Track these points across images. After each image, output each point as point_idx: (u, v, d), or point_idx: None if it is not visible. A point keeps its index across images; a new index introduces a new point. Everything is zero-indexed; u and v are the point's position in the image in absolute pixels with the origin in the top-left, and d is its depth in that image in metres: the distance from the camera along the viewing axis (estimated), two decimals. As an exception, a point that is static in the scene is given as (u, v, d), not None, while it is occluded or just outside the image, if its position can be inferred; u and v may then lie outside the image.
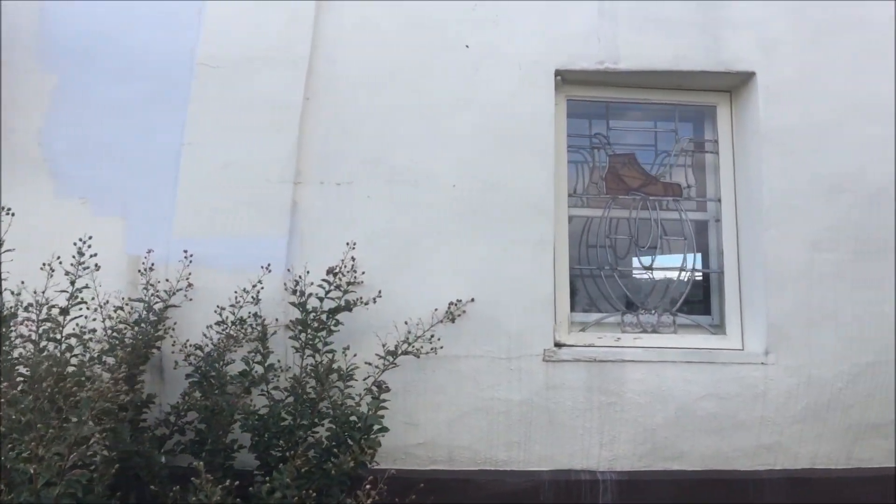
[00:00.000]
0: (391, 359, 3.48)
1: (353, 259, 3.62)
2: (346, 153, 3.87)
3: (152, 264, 3.66)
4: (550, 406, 3.77)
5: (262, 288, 3.56)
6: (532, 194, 3.85)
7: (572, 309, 4.08)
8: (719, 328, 4.10)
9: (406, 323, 3.67)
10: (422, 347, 3.57)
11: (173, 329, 3.56)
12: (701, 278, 4.19)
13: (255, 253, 3.72)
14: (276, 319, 3.62)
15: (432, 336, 3.59)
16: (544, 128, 3.92)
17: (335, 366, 3.38)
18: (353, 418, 3.19)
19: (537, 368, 3.76)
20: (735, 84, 4.17)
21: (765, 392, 3.87)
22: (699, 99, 4.24)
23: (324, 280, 3.50)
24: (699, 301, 4.21)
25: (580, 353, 3.79)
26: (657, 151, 4.23)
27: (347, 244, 3.62)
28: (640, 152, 4.23)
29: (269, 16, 3.99)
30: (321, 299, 3.49)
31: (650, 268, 4.11)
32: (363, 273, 3.65)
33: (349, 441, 3.14)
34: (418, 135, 3.89)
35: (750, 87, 4.09)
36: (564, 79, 4.09)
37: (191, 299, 3.63)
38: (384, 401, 3.32)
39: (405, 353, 3.50)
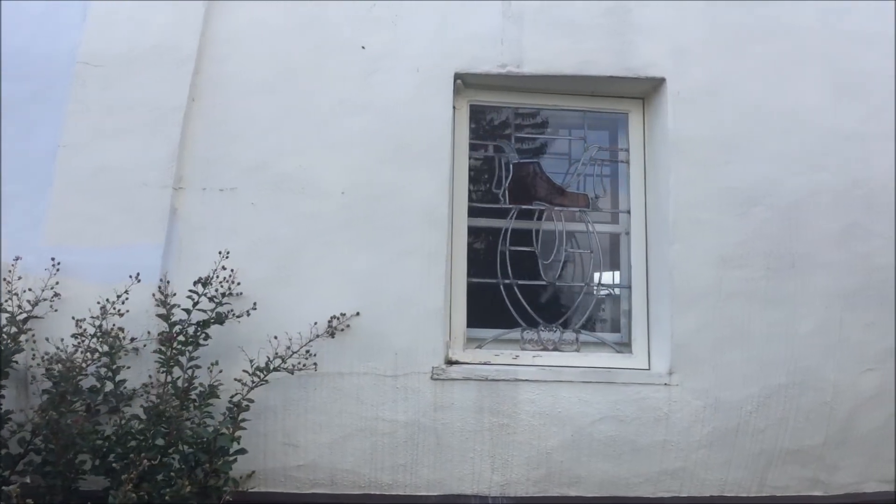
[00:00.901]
0: (262, 375, 3.25)
1: (228, 269, 3.43)
2: (232, 158, 3.67)
3: (19, 274, 3.43)
4: (438, 427, 3.55)
5: (128, 298, 3.34)
6: (425, 203, 3.66)
7: (470, 324, 3.86)
8: (626, 347, 3.88)
9: (280, 337, 3.41)
10: (298, 364, 3.33)
11: (33, 342, 3.33)
12: (609, 294, 3.96)
13: (130, 262, 3.52)
14: (149, 332, 3.40)
15: (308, 352, 3.35)
16: (440, 134, 3.73)
17: (197, 382, 3.15)
18: (205, 440, 2.96)
19: (425, 387, 3.56)
20: (647, 91, 3.97)
21: (668, 415, 3.66)
22: (611, 106, 4.05)
23: (191, 291, 3.28)
24: (607, 318, 3.99)
25: (471, 372, 3.58)
26: (566, 160, 4.01)
27: (220, 253, 3.40)
28: (548, 161, 4.02)
29: (156, 15, 3.81)
30: (188, 311, 3.27)
31: (554, 282, 3.88)
32: (238, 284, 3.45)
33: (201, 464, 2.92)
34: (308, 140, 3.70)
35: (661, 94, 3.90)
36: (466, 83, 3.89)
37: (56, 310, 3.41)
38: (243, 420, 3.09)
39: (276, 370, 3.27)
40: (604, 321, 4.00)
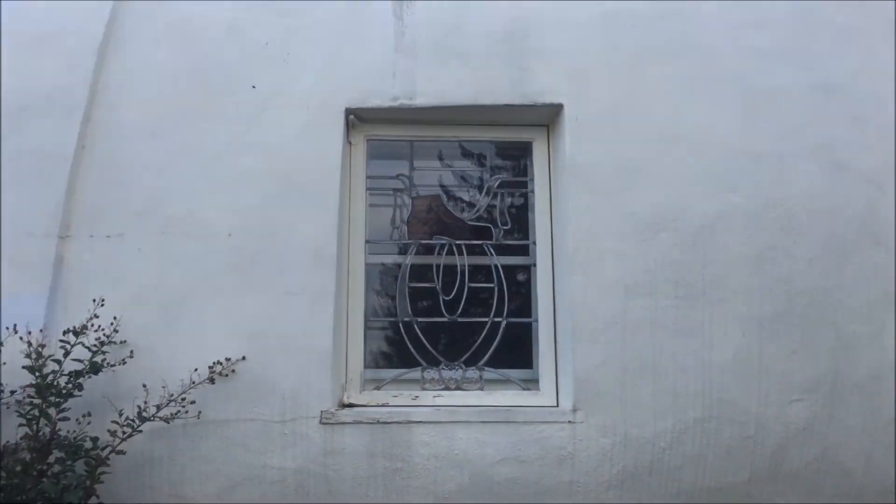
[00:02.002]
0: (135, 425, 3.15)
1: (111, 317, 3.32)
2: (120, 203, 3.62)
3: None
4: (329, 474, 3.40)
5: (1, 350, 3.25)
6: (312, 242, 3.56)
7: (369, 365, 3.72)
8: (533, 384, 3.70)
9: (162, 385, 3.30)
10: (176, 412, 3.22)
11: None
12: (516, 329, 3.80)
13: (13, 312, 3.44)
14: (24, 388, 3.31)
15: (184, 399, 3.24)
16: (329, 170, 3.66)
17: (61, 434, 3.05)
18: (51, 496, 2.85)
19: (314, 432, 3.42)
20: (550, 118, 3.87)
21: (573, 454, 3.47)
22: (514, 135, 3.95)
23: (62, 341, 3.20)
24: (515, 354, 3.82)
25: (362, 415, 3.44)
26: (470, 192, 3.89)
27: (94, 301, 3.31)
28: (451, 193, 3.90)
29: (47, 64, 3.80)
30: (59, 362, 3.18)
31: (456, 318, 3.74)
32: (116, 332, 3.34)
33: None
34: (196, 182, 3.64)
35: (561, 121, 3.77)
36: (360, 118, 3.82)
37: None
38: (103, 474, 2.97)
39: (149, 419, 3.15)
40: (512, 358, 3.82)
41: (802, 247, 3.77)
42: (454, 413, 3.48)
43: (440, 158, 4.03)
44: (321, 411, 3.44)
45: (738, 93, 3.88)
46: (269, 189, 3.64)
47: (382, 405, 3.58)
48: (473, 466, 3.45)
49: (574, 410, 3.51)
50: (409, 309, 3.80)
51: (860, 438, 3.85)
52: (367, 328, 3.79)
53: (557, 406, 3.64)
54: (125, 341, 3.44)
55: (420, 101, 3.79)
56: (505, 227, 3.90)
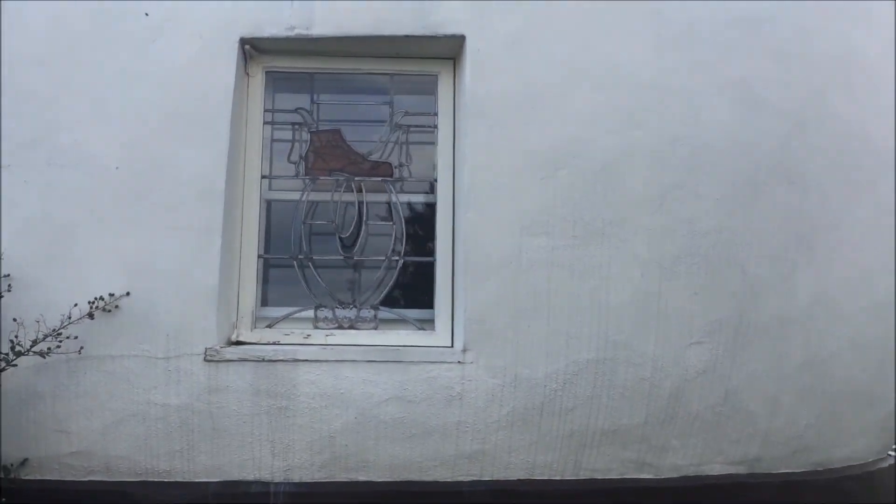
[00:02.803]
0: (10, 359, 3.10)
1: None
2: (6, 135, 3.54)
3: None
4: (214, 411, 3.37)
5: None
6: (200, 176, 3.47)
7: (266, 303, 3.65)
8: (430, 324, 3.64)
9: (42, 320, 3.25)
10: (56, 347, 3.17)
11: None
12: (418, 268, 3.72)
13: None
14: None
15: (59, 334, 3.19)
16: (220, 103, 3.54)
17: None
18: None
19: (198, 370, 3.37)
20: (454, 51, 3.72)
21: (461, 394, 3.42)
22: (418, 67, 3.82)
23: (-68, 274, 3.13)
24: (415, 294, 3.75)
25: (248, 353, 3.39)
26: (374, 127, 3.77)
27: (-31, 234, 3.23)
28: (355, 128, 3.79)
29: (-69, -11, 3.63)
30: (-70, 296, 3.12)
31: (352, 256, 3.66)
32: (-6, 265, 3.26)
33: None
34: (84, 114, 3.53)
35: (465, 54, 3.62)
36: (258, 48, 3.69)
37: None
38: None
39: (23, 353, 3.11)
40: (413, 297, 3.75)
41: (709, 186, 3.65)
42: (341, 352, 3.43)
43: (343, 92, 3.88)
44: (206, 348, 3.39)
45: (651, 26, 3.73)
46: (158, 121, 3.53)
47: (273, 343, 3.53)
48: (359, 405, 3.41)
49: (464, 350, 3.45)
50: (306, 246, 3.71)
51: (765, 383, 3.80)
52: (263, 266, 3.69)
53: (452, 346, 3.57)
54: (9, 275, 3.35)
55: (317, 30, 3.64)
56: (407, 164, 3.77)
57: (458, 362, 3.44)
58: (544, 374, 3.49)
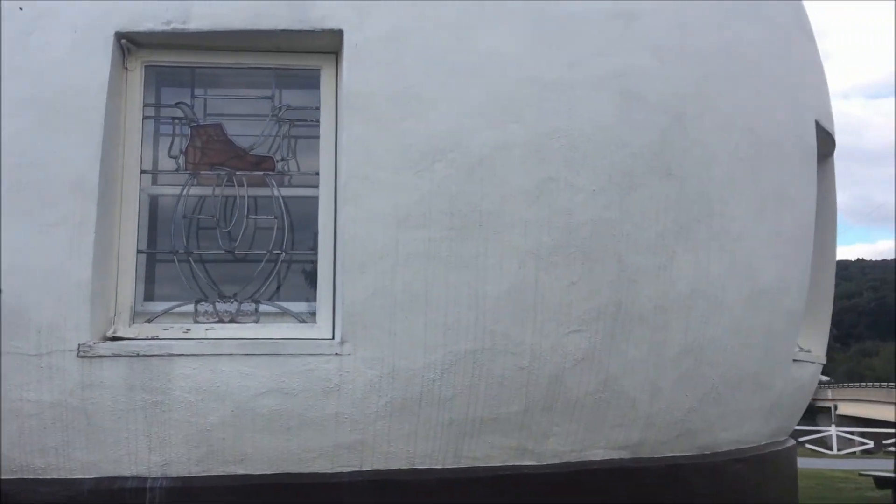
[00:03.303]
0: None
1: None
2: None
3: None
4: (88, 407, 3.36)
5: None
6: (75, 172, 3.44)
7: (149, 298, 3.65)
8: (312, 316, 3.66)
9: None
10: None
11: None
12: (303, 262, 3.74)
13: None
14: None
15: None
16: (95, 97, 3.52)
17: None
18: None
19: (71, 366, 3.36)
20: (335, 45, 3.74)
21: (339, 386, 3.46)
22: (300, 62, 3.83)
23: None
24: (301, 287, 3.77)
25: (122, 348, 3.39)
26: (257, 122, 3.78)
27: None
28: (238, 123, 3.79)
29: None
30: None
31: (233, 251, 3.66)
32: None
33: None
34: (-44, 108, 3.45)
35: (344, 49, 3.64)
36: (135, 42, 3.67)
37: None
38: None
39: None
40: (298, 291, 3.78)
41: (586, 178, 3.72)
42: (217, 346, 3.45)
43: (228, 87, 3.88)
44: (79, 344, 3.38)
45: (530, 19, 3.79)
46: (33, 116, 3.51)
47: (151, 338, 3.54)
48: (236, 399, 3.43)
49: (342, 343, 3.49)
50: (186, 241, 3.72)
51: (645, 369, 3.90)
52: (147, 261, 3.69)
53: (333, 339, 3.60)
54: None
55: (194, 25, 3.64)
56: (290, 159, 3.79)
57: (336, 354, 3.48)
58: (422, 364, 3.54)
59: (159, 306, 3.70)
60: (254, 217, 3.77)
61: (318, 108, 3.83)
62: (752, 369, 4.42)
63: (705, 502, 4.21)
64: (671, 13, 4.06)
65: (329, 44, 3.76)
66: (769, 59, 4.54)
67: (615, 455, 4.02)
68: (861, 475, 9.31)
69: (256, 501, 3.49)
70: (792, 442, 5.69)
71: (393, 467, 3.62)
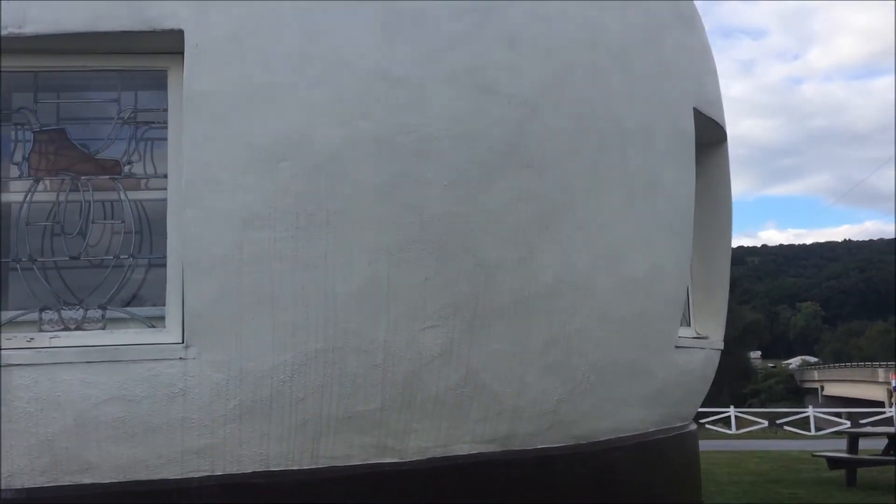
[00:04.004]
0: None
1: None
2: None
3: None
4: (-74, 421, 3.27)
5: None
6: None
7: (-3, 308, 3.58)
8: (161, 321, 3.61)
9: None
10: None
11: None
12: (154, 266, 3.68)
13: None
14: None
15: None
16: (-74, 105, 3.39)
17: None
18: None
19: None
20: (179, 46, 3.66)
21: (184, 391, 3.42)
22: (145, 63, 3.78)
23: None
24: (152, 291, 3.71)
25: (-42, 360, 3.29)
26: (103, 125, 3.71)
27: None
28: (82, 127, 3.72)
29: None
30: None
31: (78, 257, 3.60)
32: None
33: None
34: None
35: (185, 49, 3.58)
36: (-23, 49, 3.55)
37: None
38: None
39: None
40: (145, 295, 3.72)
41: (438, 172, 3.71)
42: (56, 354, 3.39)
43: (74, 90, 3.81)
44: (-82, 358, 3.29)
45: (378, 16, 3.75)
46: None
47: (-7, 348, 3.45)
48: (77, 407, 3.38)
49: (186, 347, 3.44)
50: (29, 249, 3.64)
51: (508, 361, 3.90)
52: (-17, 270, 3.62)
53: (182, 343, 3.55)
54: None
55: (31, 28, 3.57)
56: (136, 161, 3.73)
57: (180, 359, 3.44)
58: (271, 365, 3.51)
59: (3, 315, 3.62)
60: (101, 222, 3.69)
61: (164, 110, 3.74)
62: (627, 358, 4.43)
63: (579, 491, 4.21)
64: (530, 6, 4.04)
65: (173, 44, 3.70)
66: (638, 48, 4.53)
67: (483, 449, 4.02)
68: (814, 456, 9.40)
69: (103, 510, 3.43)
70: (692, 427, 5.72)
71: (247, 470, 3.60)
